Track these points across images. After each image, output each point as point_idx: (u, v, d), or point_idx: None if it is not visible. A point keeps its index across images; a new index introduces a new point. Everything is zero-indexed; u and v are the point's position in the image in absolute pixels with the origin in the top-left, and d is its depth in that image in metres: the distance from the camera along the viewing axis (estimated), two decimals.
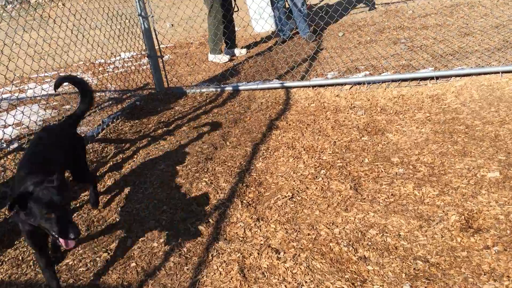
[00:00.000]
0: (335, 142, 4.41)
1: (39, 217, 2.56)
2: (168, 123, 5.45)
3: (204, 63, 7.89)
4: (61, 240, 2.62)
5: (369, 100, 5.31)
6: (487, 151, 3.83)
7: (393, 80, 5.57)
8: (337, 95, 5.54)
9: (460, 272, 2.68)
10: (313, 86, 5.81)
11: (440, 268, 2.74)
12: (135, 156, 4.70)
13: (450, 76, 5.39)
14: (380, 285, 2.68)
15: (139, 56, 8.73)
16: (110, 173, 4.39)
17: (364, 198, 3.49)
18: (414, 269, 2.76)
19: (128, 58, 8.57)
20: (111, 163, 4.60)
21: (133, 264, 3.18)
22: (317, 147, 4.37)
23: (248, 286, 2.81)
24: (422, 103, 5.02)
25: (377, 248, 2.97)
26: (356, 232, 3.14)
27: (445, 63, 5.86)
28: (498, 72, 5.19)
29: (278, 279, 2.81)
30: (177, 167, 4.32)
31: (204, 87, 6.43)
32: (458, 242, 2.92)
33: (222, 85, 6.38)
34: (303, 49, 7.54)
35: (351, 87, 5.64)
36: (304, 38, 8.16)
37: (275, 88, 6.02)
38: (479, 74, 5.28)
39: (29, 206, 2.56)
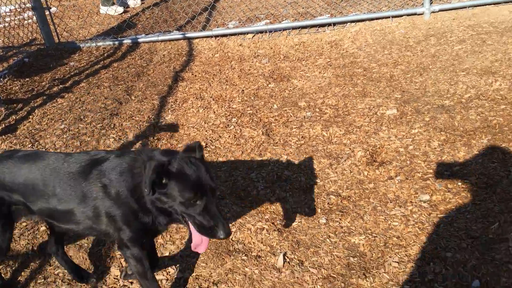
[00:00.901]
0: (243, 90, 4.44)
1: (180, 200, 1.94)
2: (64, 80, 5.08)
3: (97, 15, 7.39)
4: (196, 238, 2.04)
5: (272, 48, 5.37)
6: (384, 90, 4.10)
7: (293, 28, 5.67)
8: (240, 45, 5.53)
9: (369, 202, 2.90)
10: (216, 36, 5.73)
11: (351, 200, 2.93)
12: (31, 116, 4.35)
13: (346, 22, 5.61)
14: (299, 221, 2.81)
15: (19, 10, 7.92)
16: (3, 136, 4.02)
17: (277, 142, 3.59)
18: (328, 203, 2.93)
19: (6, 12, 7.74)
20: (3, 126, 4.21)
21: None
22: (226, 96, 4.36)
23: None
24: (322, 49, 5.19)
25: (292, 188, 3.09)
26: (272, 175, 3.24)
27: (340, 9, 6.07)
28: (388, 17, 5.50)
29: None
30: (80, 125, 4.07)
31: (100, 41, 6.05)
32: (365, 176, 3.13)
33: (119, 38, 6.04)
34: None
35: (253, 36, 5.65)
36: None
37: (177, 40, 5.84)
38: (372, 19, 5.57)
39: (165, 183, 1.95)
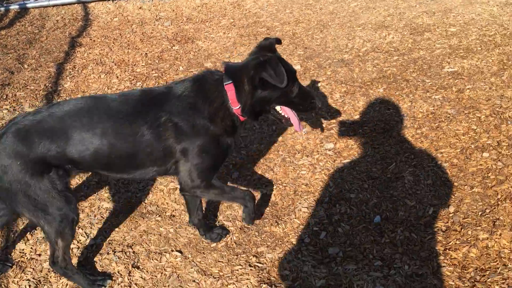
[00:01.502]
0: (146, 54, 4.30)
1: (281, 90, 2.07)
2: None
3: None
4: (296, 120, 2.23)
5: (174, 10, 5.23)
6: (288, 48, 4.19)
7: None
8: (140, 8, 5.32)
9: (278, 154, 2.98)
10: (113, 0, 5.45)
11: (262, 154, 3.00)
12: None
13: None
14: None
15: None
16: None
17: None
18: (240, 158, 2.98)
19: None
20: None
21: None
22: (128, 60, 4.21)
23: None
24: (225, 10, 5.16)
25: None
26: None
27: None
28: None
29: (111, 192, 2.75)
30: None
31: None
32: (273, 130, 3.21)
33: (5, 4, 5.54)
34: None
35: None
36: None
37: (71, 4, 5.49)
38: None
39: (266, 80, 2.01)
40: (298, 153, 2.98)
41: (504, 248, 2.15)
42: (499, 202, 2.40)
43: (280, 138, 3.12)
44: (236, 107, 2.09)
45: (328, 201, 2.58)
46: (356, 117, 3.23)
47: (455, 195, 2.51)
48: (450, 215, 2.38)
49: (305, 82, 3.64)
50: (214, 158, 2.16)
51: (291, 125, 2.25)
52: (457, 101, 3.22)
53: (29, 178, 1.95)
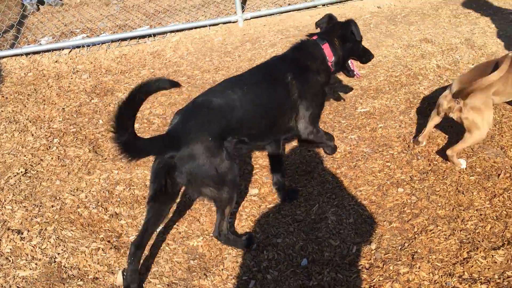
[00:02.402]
0: (63, 108, 4.18)
1: (359, 43, 2.94)
2: None
3: None
4: (356, 69, 3.11)
5: (92, 62, 5.15)
6: None
7: (113, 41, 5.52)
8: (56, 61, 5.19)
9: (204, 204, 2.96)
10: (27, 54, 5.28)
11: (187, 205, 2.97)
12: None
13: (166, 32, 5.67)
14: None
15: None
16: None
17: (106, 158, 3.45)
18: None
19: None
20: None
21: None
22: (44, 116, 4.05)
23: None
24: (145, 60, 5.16)
25: (126, 202, 3.01)
26: (103, 192, 3.11)
27: (159, 21, 6.11)
28: (206, 26, 5.71)
29: (27, 259, 2.58)
30: None
31: None
32: None
33: None
34: (6, 15, 6.70)
35: (70, 51, 5.35)
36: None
37: None
38: (191, 28, 5.72)
39: (354, 29, 2.87)
40: None
41: (423, 280, 2.25)
42: (416, 236, 2.53)
43: None
44: (331, 60, 2.84)
45: (256, 248, 2.58)
46: None
47: (376, 231, 2.61)
48: (372, 251, 2.47)
49: None
50: (322, 105, 2.89)
51: (353, 76, 3.08)
52: (371, 140, 3.39)
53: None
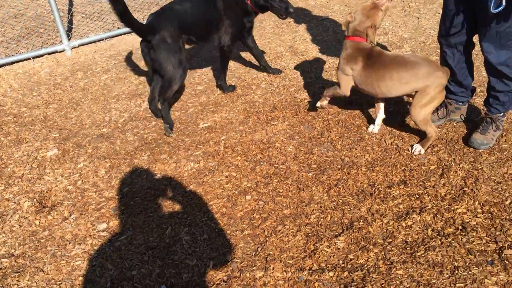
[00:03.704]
0: None
1: None
2: None
3: None
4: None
5: None
6: (41, 133, 3.93)
7: None
8: None
9: (47, 251, 2.72)
10: None
11: (27, 256, 2.69)
12: None
13: None
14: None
15: None
16: None
17: None
18: (1, 269, 2.61)
19: None
20: None
21: None
22: None
23: None
24: None
25: None
26: None
27: None
28: (29, 58, 5.29)
29: None
30: None
31: None
32: (37, 225, 2.93)
33: None
34: None
35: None
36: None
37: None
38: (12, 63, 5.26)
39: None
40: (69, 243, 2.77)
41: (278, 280, 2.34)
42: (267, 239, 2.63)
43: (46, 233, 2.85)
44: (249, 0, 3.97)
45: (110, 286, 2.44)
46: (126, 189, 3.18)
47: (230, 242, 2.65)
48: (229, 263, 2.50)
49: (66, 165, 3.45)
50: (240, 29, 4.10)
51: (283, 16, 4.01)
52: (216, 153, 3.45)
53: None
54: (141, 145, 3.65)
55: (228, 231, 2.72)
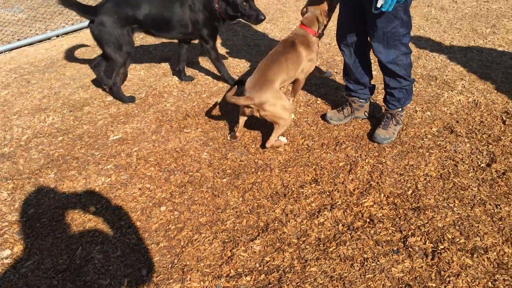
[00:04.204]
0: None
1: (240, 4, 3.90)
2: None
3: None
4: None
5: None
6: None
7: None
8: None
9: None
10: None
11: None
12: None
13: None
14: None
15: None
16: None
17: None
18: None
19: None
20: None
21: None
22: None
23: None
24: None
25: None
26: None
27: None
28: None
29: None
30: None
31: None
32: None
33: None
34: None
35: None
36: None
37: None
38: None
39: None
40: None
41: None
42: (183, 249, 2.59)
43: None
44: (218, 6, 3.99)
45: None
46: (31, 211, 2.99)
47: (145, 256, 2.58)
48: (144, 278, 2.43)
49: None
50: (213, 33, 4.19)
51: (254, 20, 3.99)
52: (128, 166, 3.35)
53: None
54: (47, 162, 3.46)
55: (143, 245, 2.65)
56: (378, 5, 2.67)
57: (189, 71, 4.73)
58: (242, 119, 3.46)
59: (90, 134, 3.80)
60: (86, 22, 5.95)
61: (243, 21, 4.17)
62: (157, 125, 3.84)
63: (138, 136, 3.71)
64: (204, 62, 4.94)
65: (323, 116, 3.68)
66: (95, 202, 3.03)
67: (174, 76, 4.65)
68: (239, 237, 2.63)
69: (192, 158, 3.38)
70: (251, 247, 2.55)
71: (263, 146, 3.41)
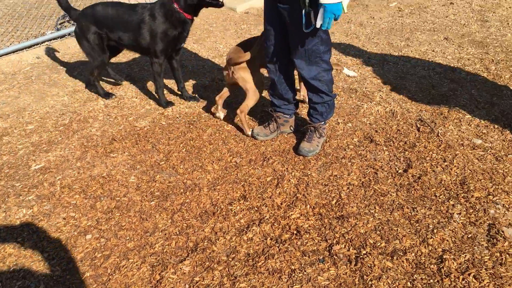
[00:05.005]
0: None
1: None
2: None
3: None
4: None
5: None
6: None
7: None
8: None
9: None
10: None
11: None
12: None
13: None
14: None
15: None
16: None
17: None
18: None
19: None
20: None
21: None
22: None
23: None
24: None
25: None
26: None
27: None
28: None
29: None
30: None
31: None
32: None
33: None
34: None
35: None
36: None
37: None
38: None
39: None
40: None
41: None
42: (110, 277, 2.52)
43: None
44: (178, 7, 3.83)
45: None
46: None
47: None
48: None
49: None
50: (166, 42, 4.00)
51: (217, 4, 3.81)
52: (51, 195, 3.24)
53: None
54: None
55: (68, 276, 2.56)
56: (318, 26, 2.78)
57: (116, 92, 4.66)
58: (225, 89, 3.89)
59: (10, 165, 3.63)
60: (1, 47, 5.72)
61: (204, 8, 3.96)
62: (82, 151, 3.74)
63: (62, 164, 3.59)
64: (131, 84, 4.89)
65: (250, 132, 3.74)
66: (16, 236, 2.89)
67: (100, 101, 4.56)
68: (168, 260, 2.60)
69: (119, 183, 3.32)
70: (181, 268, 2.53)
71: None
